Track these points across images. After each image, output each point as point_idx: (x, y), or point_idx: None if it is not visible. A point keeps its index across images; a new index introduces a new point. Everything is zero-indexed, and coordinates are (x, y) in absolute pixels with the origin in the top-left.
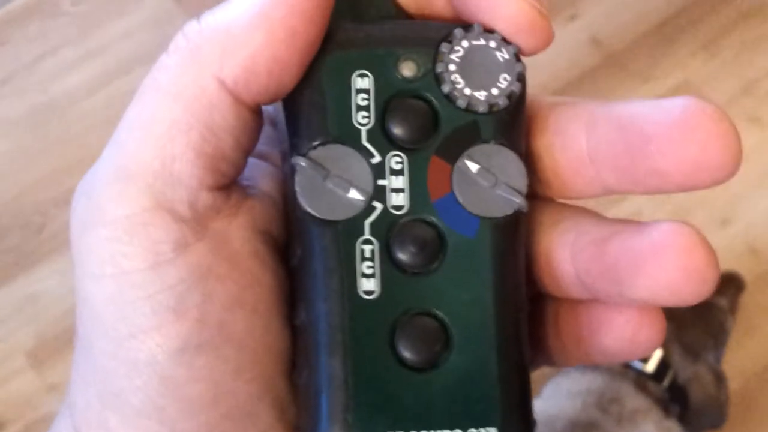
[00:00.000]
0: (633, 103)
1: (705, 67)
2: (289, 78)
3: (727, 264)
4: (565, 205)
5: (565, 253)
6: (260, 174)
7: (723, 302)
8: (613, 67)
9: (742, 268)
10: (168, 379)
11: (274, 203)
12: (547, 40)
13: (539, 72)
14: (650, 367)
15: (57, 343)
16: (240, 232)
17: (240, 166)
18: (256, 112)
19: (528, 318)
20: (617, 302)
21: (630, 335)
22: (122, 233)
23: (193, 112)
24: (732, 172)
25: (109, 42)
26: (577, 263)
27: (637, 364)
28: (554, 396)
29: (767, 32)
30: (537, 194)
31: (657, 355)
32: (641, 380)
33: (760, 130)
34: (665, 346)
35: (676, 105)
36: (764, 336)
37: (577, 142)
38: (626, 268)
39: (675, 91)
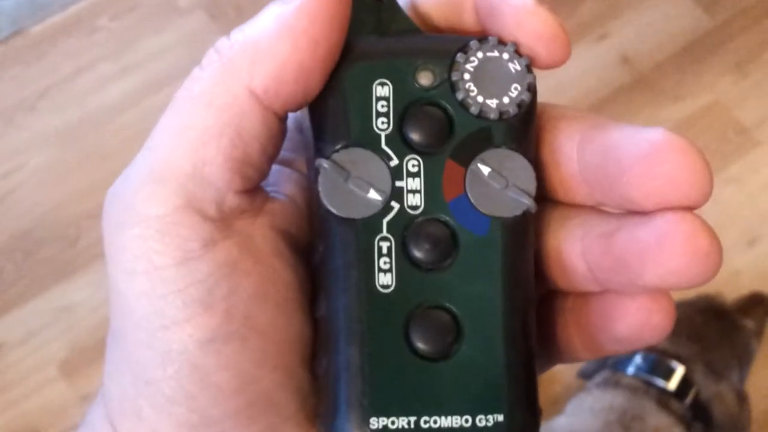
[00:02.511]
0: (619, 129)
1: (735, 88)
2: (313, 85)
3: (755, 285)
4: (572, 205)
5: (576, 249)
6: (283, 179)
7: (750, 324)
8: (643, 87)
9: None
10: (198, 368)
11: (295, 206)
12: (567, 54)
13: (570, 89)
14: (672, 385)
15: (90, 354)
16: (263, 230)
17: (265, 171)
18: (283, 119)
19: (540, 315)
20: (629, 291)
21: (643, 321)
22: (154, 231)
23: (225, 120)
24: (701, 202)
25: (145, 58)
26: (588, 257)
27: (660, 382)
28: (577, 413)
29: None
30: (546, 197)
31: (679, 372)
32: (663, 398)
33: None
34: (688, 364)
35: (647, 138)
36: None
37: (571, 161)
38: (634, 257)
39: (705, 111)
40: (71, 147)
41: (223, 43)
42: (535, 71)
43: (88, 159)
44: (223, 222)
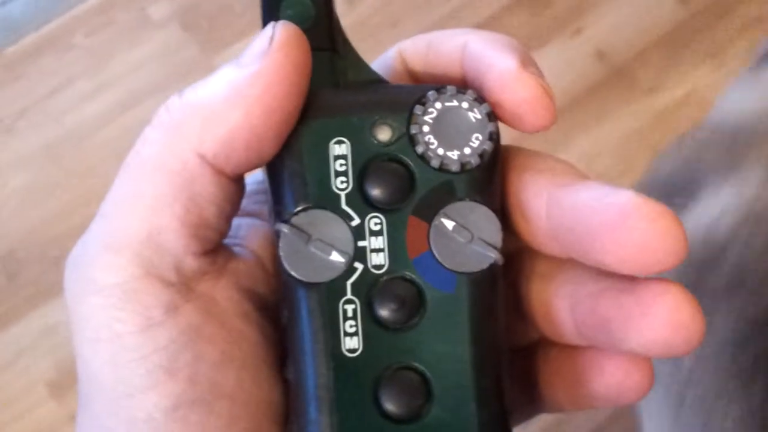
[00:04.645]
0: (586, 190)
1: (711, 76)
2: (267, 149)
3: None
4: (564, 260)
5: (565, 304)
6: (248, 233)
7: None
8: (620, 79)
9: None
10: None
11: (259, 262)
12: (552, 118)
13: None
14: None
15: (77, 374)
16: (226, 292)
17: (223, 232)
18: (238, 180)
19: (526, 363)
20: (612, 350)
21: (620, 381)
22: (115, 300)
23: (176, 185)
24: (676, 263)
25: (121, 73)
26: (575, 315)
27: None
28: None
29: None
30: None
31: None
32: None
33: None
34: None
35: (615, 203)
36: None
37: (540, 219)
38: (618, 323)
39: (682, 102)
40: (51, 166)
41: (174, 102)
42: None
43: (68, 177)
44: (184, 286)
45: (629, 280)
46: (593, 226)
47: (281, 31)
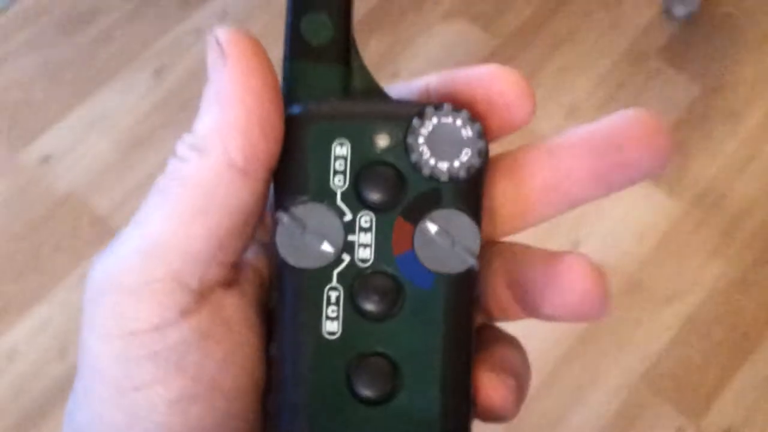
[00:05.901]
0: (583, 127)
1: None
2: (278, 129)
3: None
4: (502, 243)
5: (503, 283)
6: (254, 254)
7: None
8: None
9: None
10: (165, 426)
11: (262, 276)
12: (534, 108)
13: None
14: None
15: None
16: (234, 300)
17: (248, 243)
18: (266, 182)
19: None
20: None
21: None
22: (135, 299)
23: (212, 197)
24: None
25: None
26: (511, 290)
27: None
28: None
29: (578, 57)
30: (490, 238)
31: None
32: None
33: None
34: None
35: (625, 117)
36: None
37: (542, 171)
38: (535, 295)
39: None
40: None
41: (189, 138)
42: None
43: None
44: (201, 293)
45: (547, 255)
46: (614, 138)
47: (225, 37)
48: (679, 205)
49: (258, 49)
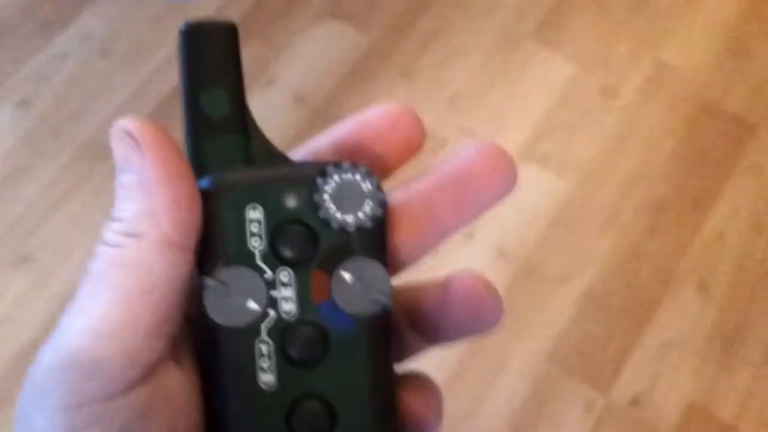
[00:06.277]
0: (440, 165)
1: (409, 93)
2: (199, 205)
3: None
4: (397, 287)
5: (404, 321)
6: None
7: None
8: (322, 119)
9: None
10: None
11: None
12: (422, 130)
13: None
14: None
15: None
16: (175, 374)
17: (185, 314)
18: (196, 253)
19: None
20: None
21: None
22: (86, 376)
23: (157, 275)
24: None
25: None
26: (412, 325)
27: None
28: None
29: (454, 47)
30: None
31: None
32: None
33: (472, 139)
34: None
35: (476, 151)
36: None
37: (414, 212)
38: (435, 323)
39: None
40: None
41: (115, 226)
42: None
43: None
44: (147, 367)
45: (437, 284)
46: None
47: (135, 129)
48: (567, 184)
49: (168, 135)
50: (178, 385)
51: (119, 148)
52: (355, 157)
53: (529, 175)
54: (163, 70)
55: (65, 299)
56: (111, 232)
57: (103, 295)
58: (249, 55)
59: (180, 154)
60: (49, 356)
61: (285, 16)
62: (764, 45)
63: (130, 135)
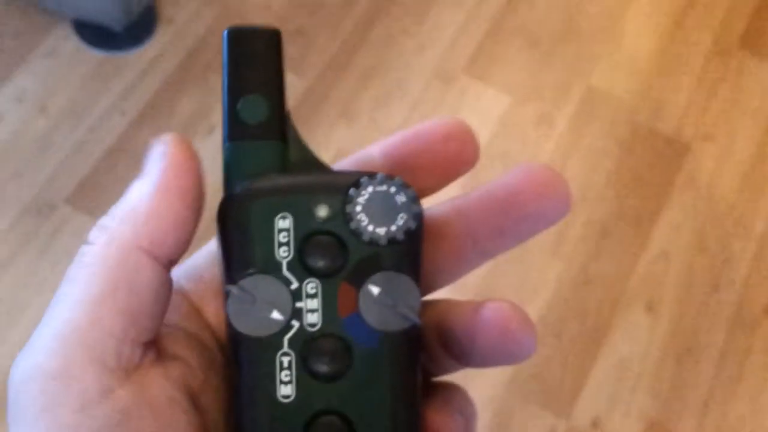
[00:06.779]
0: (487, 185)
1: (349, 132)
2: (189, 229)
3: None
4: (430, 301)
5: (435, 338)
6: (176, 341)
7: None
8: None
9: None
10: None
11: (187, 363)
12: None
13: None
14: None
15: None
16: (158, 380)
17: (158, 322)
18: (168, 269)
19: None
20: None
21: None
22: (56, 383)
23: (118, 275)
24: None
25: None
26: (442, 344)
27: None
28: None
29: (390, 85)
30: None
31: None
32: None
33: None
34: None
35: (526, 172)
36: None
37: (455, 231)
38: (465, 345)
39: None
40: None
41: (103, 221)
42: None
43: None
44: (122, 371)
45: (471, 306)
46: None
47: (170, 139)
48: None
49: (195, 157)
50: (163, 394)
51: (151, 154)
52: (404, 168)
53: None
54: (103, 126)
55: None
56: (93, 229)
57: (69, 298)
58: (188, 104)
59: (196, 179)
60: (20, 367)
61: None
62: (688, 67)
63: (163, 143)
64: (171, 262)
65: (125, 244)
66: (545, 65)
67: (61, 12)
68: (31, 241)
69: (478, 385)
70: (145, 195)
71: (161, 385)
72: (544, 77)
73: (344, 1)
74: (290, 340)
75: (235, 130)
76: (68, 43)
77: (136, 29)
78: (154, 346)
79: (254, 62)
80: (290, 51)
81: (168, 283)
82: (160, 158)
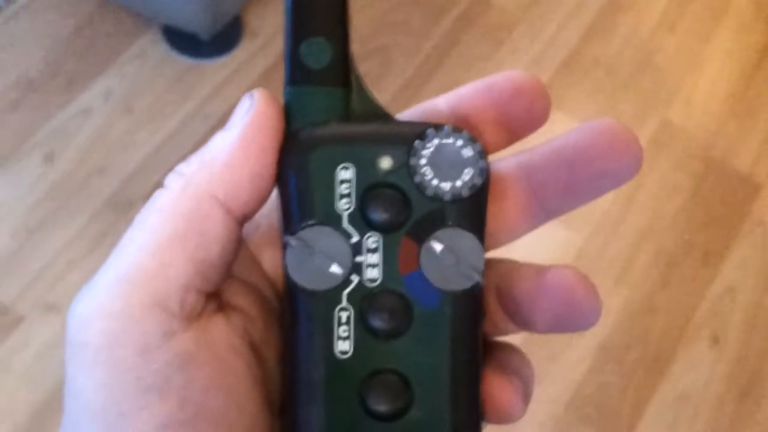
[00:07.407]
0: (554, 141)
1: None
2: (265, 185)
3: None
4: (490, 260)
5: (494, 299)
6: (236, 291)
7: None
8: None
9: None
10: None
11: (247, 314)
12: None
13: None
14: None
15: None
16: (219, 326)
17: (223, 275)
18: (240, 224)
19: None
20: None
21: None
22: (119, 324)
23: (189, 223)
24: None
25: None
26: (502, 305)
27: None
28: None
29: None
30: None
31: None
32: None
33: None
34: None
35: (596, 128)
36: None
37: (519, 188)
38: (527, 309)
39: None
40: None
41: (182, 166)
42: None
43: None
44: (184, 318)
45: (534, 269)
46: (577, 150)
47: (259, 95)
48: (579, 237)
49: (281, 117)
50: (224, 341)
51: (239, 106)
52: (470, 122)
53: (541, 228)
54: (184, 129)
55: None
56: (171, 173)
57: (137, 242)
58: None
59: (278, 139)
60: (81, 307)
61: None
62: (766, 107)
63: (252, 98)
64: (244, 217)
65: (200, 191)
66: (621, 96)
67: (152, 18)
68: (107, 237)
69: (533, 404)
70: (226, 146)
71: (223, 333)
72: (619, 107)
73: (427, 23)
74: (349, 295)
75: (297, 74)
76: (157, 47)
77: (222, 39)
78: (216, 297)
79: (318, 4)
80: (368, 68)
81: (238, 239)
82: (246, 112)
